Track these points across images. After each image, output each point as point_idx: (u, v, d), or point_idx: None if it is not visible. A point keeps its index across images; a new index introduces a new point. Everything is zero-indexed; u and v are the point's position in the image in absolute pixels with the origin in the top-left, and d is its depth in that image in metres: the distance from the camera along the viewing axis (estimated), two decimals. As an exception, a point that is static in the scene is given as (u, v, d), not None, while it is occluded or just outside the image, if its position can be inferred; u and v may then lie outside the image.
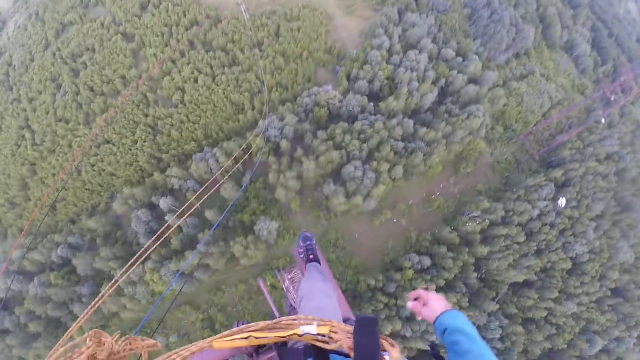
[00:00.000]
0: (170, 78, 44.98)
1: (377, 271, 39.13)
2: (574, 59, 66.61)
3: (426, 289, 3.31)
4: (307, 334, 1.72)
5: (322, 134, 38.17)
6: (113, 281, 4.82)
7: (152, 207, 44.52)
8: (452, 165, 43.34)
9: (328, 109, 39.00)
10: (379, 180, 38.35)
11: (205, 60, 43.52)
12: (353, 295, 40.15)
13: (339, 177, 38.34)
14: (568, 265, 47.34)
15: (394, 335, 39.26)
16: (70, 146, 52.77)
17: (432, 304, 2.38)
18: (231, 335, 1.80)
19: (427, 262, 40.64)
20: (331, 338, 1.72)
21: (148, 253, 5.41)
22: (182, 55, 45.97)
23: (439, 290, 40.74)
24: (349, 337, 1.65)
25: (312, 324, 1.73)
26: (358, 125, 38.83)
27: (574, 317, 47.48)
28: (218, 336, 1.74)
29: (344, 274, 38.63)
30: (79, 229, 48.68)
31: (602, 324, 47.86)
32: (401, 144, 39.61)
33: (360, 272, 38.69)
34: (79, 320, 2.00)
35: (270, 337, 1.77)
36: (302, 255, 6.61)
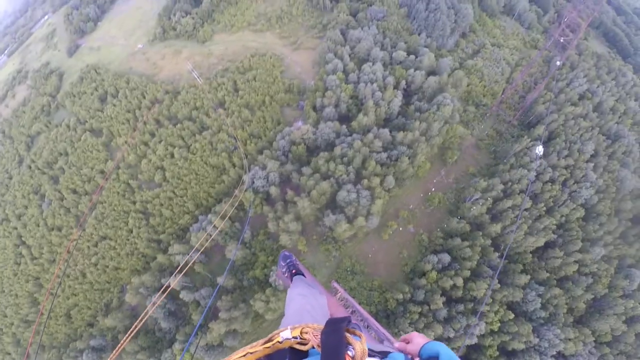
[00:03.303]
0: (147, 160, 45.55)
1: (401, 284, 38.59)
2: (516, 19, 69.26)
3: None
4: (285, 339, 1.91)
5: (306, 170, 38.60)
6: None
7: (165, 290, 43.95)
8: (438, 158, 43.87)
9: (304, 144, 39.64)
10: (374, 196, 38.53)
11: (175, 133, 44.32)
12: (386, 315, 39.34)
13: (335, 205, 38.47)
14: (581, 212, 47.17)
15: (438, 339, 38.23)
16: (68, 252, 52.60)
17: (415, 340, 2.65)
18: (233, 356, 1.90)
19: (446, 258, 40.25)
20: (303, 339, 1.86)
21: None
22: (152, 135, 46.81)
23: (466, 281, 40.20)
24: (316, 336, 1.81)
25: (287, 330, 1.94)
26: (337, 150, 39.40)
27: (604, 260, 46.81)
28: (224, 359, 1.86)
29: (370, 297, 38.01)
30: (98, 331, 47.70)
31: (633, 255, 47.23)
32: (384, 155, 40.13)
33: (385, 290, 38.12)
34: None
35: (260, 349, 1.93)
36: (286, 274, 6.82)
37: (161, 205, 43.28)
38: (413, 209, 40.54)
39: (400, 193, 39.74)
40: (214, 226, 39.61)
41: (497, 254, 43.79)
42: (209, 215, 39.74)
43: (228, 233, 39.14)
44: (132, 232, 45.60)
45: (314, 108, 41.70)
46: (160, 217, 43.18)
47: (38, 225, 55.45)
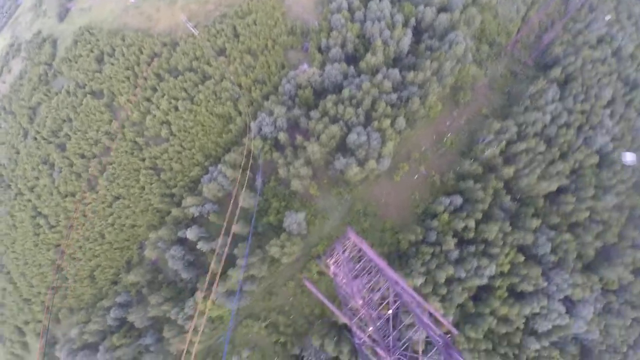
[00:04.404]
0: (152, 116, 44.70)
1: (413, 225, 38.79)
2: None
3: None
4: None
5: (314, 114, 37.56)
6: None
7: (182, 242, 45.04)
8: (450, 99, 42.19)
9: (311, 87, 38.22)
10: (385, 138, 37.68)
11: (177, 86, 43.00)
12: (398, 256, 39.99)
13: (345, 148, 37.81)
14: (595, 159, 46.05)
15: (449, 281, 39.24)
16: (84, 215, 53.74)
17: None
18: None
19: (458, 200, 40.05)
20: None
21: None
22: (154, 90, 45.56)
23: (478, 223, 40.17)
24: None
25: None
26: (346, 92, 38.00)
27: (616, 209, 46.32)
28: None
29: (383, 238, 38.43)
30: (122, 288, 49.77)
31: None
32: (394, 96, 38.67)
33: (397, 231, 38.41)
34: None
35: None
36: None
37: (170, 159, 43.10)
38: (425, 150, 39.75)
39: (411, 134, 38.76)
40: (225, 176, 39.55)
41: (509, 197, 43.51)
42: (219, 166, 39.54)
43: (240, 181, 39.14)
44: (144, 189, 45.94)
45: (319, 49, 39.73)
46: (171, 171, 43.16)
47: (52, 194, 56.23)
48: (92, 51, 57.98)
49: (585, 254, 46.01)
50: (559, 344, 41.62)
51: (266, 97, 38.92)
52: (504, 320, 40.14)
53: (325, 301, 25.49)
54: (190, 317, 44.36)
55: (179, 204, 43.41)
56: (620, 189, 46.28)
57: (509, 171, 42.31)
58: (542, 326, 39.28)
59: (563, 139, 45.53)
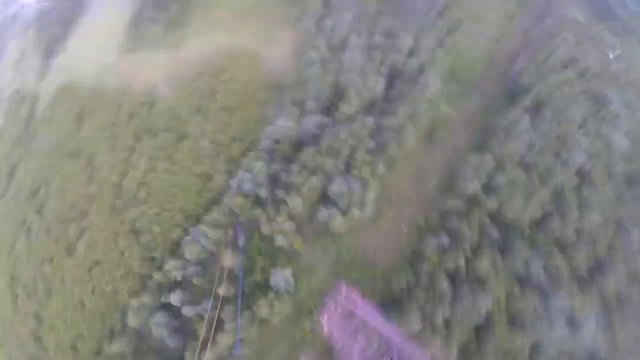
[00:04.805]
0: (130, 177, 44.13)
1: (403, 270, 38.07)
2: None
3: None
4: None
5: (294, 167, 37.56)
6: None
7: (167, 307, 42.81)
8: (427, 139, 43.11)
9: (289, 141, 38.54)
10: (366, 185, 37.74)
11: (156, 145, 42.87)
12: (391, 303, 38.66)
13: (327, 199, 37.58)
14: (574, 180, 46.85)
15: (447, 322, 38.02)
16: (63, 282, 51.15)
17: None
18: None
19: (444, 240, 39.73)
20: None
21: None
22: (132, 150, 45.28)
23: (468, 260, 39.70)
24: None
25: None
26: (323, 143, 38.40)
27: (602, 224, 46.71)
28: None
29: (374, 287, 37.47)
30: (105, 359, 46.49)
31: (629, 217, 47.09)
32: (371, 142, 39.27)
33: (388, 277, 37.59)
34: None
35: None
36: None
37: (150, 222, 41.98)
38: (406, 192, 39.86)
39: (391, 179, 39.00)
40: (207, 236, 38.54)
41: (496, 229, 43.49)
42: (200, 226, 38.60)
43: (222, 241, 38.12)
44: (124, 253, 44.28)
45: (295, 103, 40.55)
46: (151, 233, 41.91)
47: (28, 261, 53.76)
48: (71, 110, 58.08)
49: (578, 273, 45.56)
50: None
51: (244, 154, 38.97)
52: (508, 354, 38.78)
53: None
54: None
55: (160, 268, 41.74)
56: (604, 205, 46.89)
57: (492, 204, 42.59)
58: (549, 349, 38.01)
59: (541, 165, 46.53)
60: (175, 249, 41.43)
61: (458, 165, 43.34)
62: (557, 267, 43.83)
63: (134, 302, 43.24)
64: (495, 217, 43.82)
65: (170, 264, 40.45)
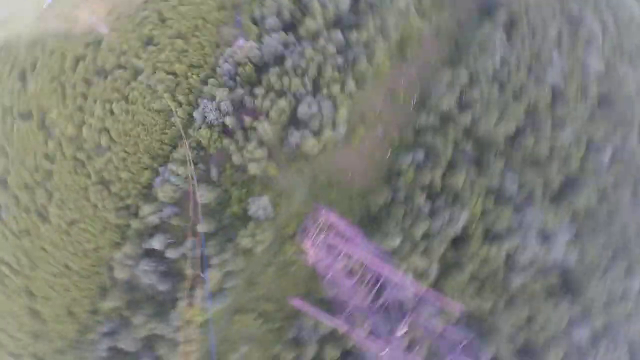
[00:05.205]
0: (87, 125, 41.09)
1: (380, 187, 38.28)
2: None
3: None
4: None
5: (259, 90, 35.48)
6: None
7: (150, 253, 42.52)
8: (398, 54, 41.15)
9: (251, 62, 35.93)
10: (336, 104, 36.31)
11: (109, 87, 39.35)
12: (370, 221, 39.36)
13: (297, 121, 36.17)
14: (548, 96, 46.74)
15: (426, 235, 39.17)
16: (44, 249, 49.80)
17: None
18: None
19: (420, 155, 39.73)
20: None
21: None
22: (84, 97, 41.64)
23: (444, 174, 40.19)
24: None
25: None
26: (289, 62, 36.02)
27: (575, 142, 47.63)
28: None
29: (352, 207, 37.78)
30: (103, 316, 46.79)
31: (600, 136, 48.11)
32: (340, 59, 37.13)
33: (365, 195, 37.87)
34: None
35: None
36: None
37: (117, 169, 39.96)
38: (379, 110, 38.81)
39: (363, 96, 37.63)
40: (177, 174, 37.12)
41: (470, 143, 43.72)
42: (168, 165, 36.99)
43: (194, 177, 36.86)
44: (97, 206, 42.65)
45: (254, 21, 37.28)
46: (120, 181, 40.14)
47: (6, 237, 51.48)
48: (12, 69, 52.29)
49: (549, 187, 47.25)
50: (540, 276, 43.04)
51: (205, 82, 36.32)
52: (485, 262, 41.00)
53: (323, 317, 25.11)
54: (179, 328, 42.71)
55: (136, 215, 40.64)
56: (577, 123, 47.51)
57: (466, 119, 42.32)
58: (522, 259, 40.34)
59: (515, 80, 45.90)
60: (148, 193, 40.10)
61: (431, 81, 42.20)
62: (530, 182, 45.26)
63: (118, 255, 42.79)
64: (469, 133, 43.91)
65: (146, 209, 39.39)
